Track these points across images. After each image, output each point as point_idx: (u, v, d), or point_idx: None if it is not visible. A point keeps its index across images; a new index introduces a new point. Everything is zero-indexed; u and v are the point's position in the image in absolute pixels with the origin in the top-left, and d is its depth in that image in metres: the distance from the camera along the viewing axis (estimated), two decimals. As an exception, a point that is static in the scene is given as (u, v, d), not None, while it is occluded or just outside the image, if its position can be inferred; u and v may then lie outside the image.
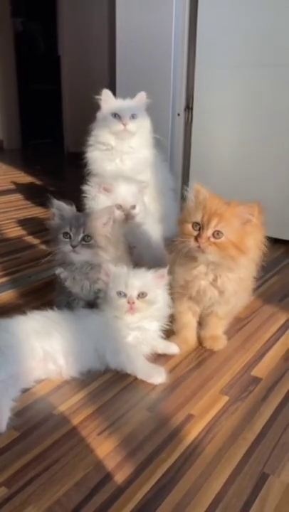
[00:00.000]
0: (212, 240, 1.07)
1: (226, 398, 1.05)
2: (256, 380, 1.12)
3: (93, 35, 4.47)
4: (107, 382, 1.10)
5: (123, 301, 1.13)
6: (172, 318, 1.25)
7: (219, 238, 1.07)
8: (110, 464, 0.86)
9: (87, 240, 1.21)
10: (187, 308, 1.24)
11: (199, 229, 1.08)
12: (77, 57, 4.61)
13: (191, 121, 2.23)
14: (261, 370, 1.16)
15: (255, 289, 1.55)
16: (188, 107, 2.24)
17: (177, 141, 2.26)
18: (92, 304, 1.26)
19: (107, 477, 0.83)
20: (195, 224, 1.09)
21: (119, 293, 1.14)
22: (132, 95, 1.74)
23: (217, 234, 1.07)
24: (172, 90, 2.25)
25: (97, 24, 4.38)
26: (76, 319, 1.15)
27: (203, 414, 1.00)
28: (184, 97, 2.24)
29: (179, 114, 2.26)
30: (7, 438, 0.92)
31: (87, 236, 1.20)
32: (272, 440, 0.93)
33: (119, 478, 0.83)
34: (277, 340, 1.30)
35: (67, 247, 1.20)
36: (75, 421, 0.97)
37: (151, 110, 2.31)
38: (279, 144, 1.98)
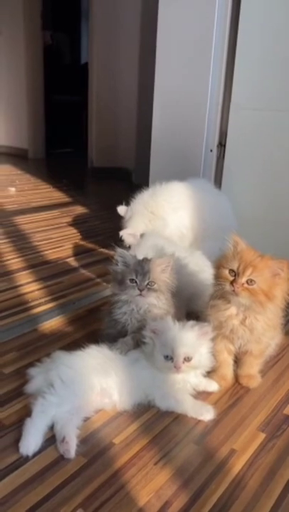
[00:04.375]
0: (245, 286, 1.24)
1: (263, 435, 1.19)
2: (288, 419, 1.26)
3: (123, 46, 4.33)
4: (156, 415, 1.24)
5: (170, 364, 1.25)
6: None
7: (252, 285, 1.24)
8: (168, 492, 1.01)
9: (152, 285, 1.39)
10: (223, 347, 1.38)
11: (235, 275, 1.25)
12: (106, 66, 4.51)
13: (223, 157, 2.37)
14: (292, 408, 1.30)
15: (284, 325, 1.68)
16: (221, 144, 2.38)
17: (208, 176, 2.39)
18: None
19: (167, 504, 0.98)
20: (231, 271, 1.27)
21: (166, 357, 1.26)
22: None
23: (250, 282, 1.24)
24: (207, 127, 2.38)
25: (127, 34, 4.21)
26: (128, 362, 1.30)
27: (245, 449, 1.14)
28: (218, 134, 2.38)
29: (211, 150, 2.40)
30: (76, 464, 1.07)
31: (151, 282, 1.38)
32: (306, 477, 1.06)
33: (178, 505, 0.97)
34: (306, 378, 1.43)
35: (135, 291, 1.38)
36: (133, 451, 1.12)
37: (185, 145, 2.46)
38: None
